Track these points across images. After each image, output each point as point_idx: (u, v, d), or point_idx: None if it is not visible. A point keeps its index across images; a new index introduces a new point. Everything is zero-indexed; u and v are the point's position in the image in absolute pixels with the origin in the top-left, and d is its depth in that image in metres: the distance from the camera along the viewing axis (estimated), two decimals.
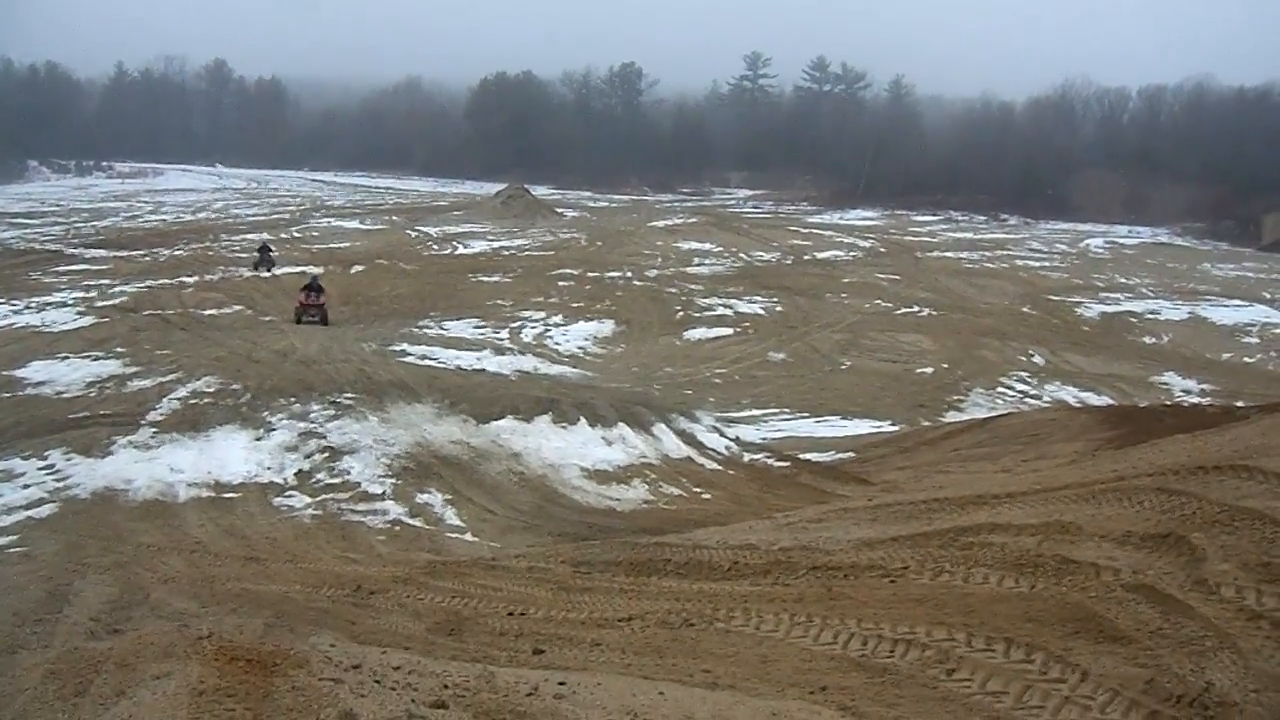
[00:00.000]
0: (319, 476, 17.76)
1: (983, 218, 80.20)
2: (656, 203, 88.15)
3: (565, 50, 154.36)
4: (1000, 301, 41.18)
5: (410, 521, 16.01)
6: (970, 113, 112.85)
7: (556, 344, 31.36)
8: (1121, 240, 67.08)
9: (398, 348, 28.46)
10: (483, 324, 33.38)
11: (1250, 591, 6.30)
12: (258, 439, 19.28)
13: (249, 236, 54.85)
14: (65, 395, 22.36)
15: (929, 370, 29.17)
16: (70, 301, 34.64)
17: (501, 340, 31.12)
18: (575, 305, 37.35)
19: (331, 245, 52.70)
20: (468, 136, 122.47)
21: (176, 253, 48.38)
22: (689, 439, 21.01)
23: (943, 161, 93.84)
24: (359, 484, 17.43)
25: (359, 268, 44.67)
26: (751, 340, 32.57)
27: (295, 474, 17.82)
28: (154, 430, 19.55)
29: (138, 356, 25.95)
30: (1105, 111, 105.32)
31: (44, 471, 17.15)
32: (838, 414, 24.22)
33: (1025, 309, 39.75)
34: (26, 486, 16.45)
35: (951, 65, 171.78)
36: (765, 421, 23.42)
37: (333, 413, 20.78)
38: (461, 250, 53.04)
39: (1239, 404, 22.20)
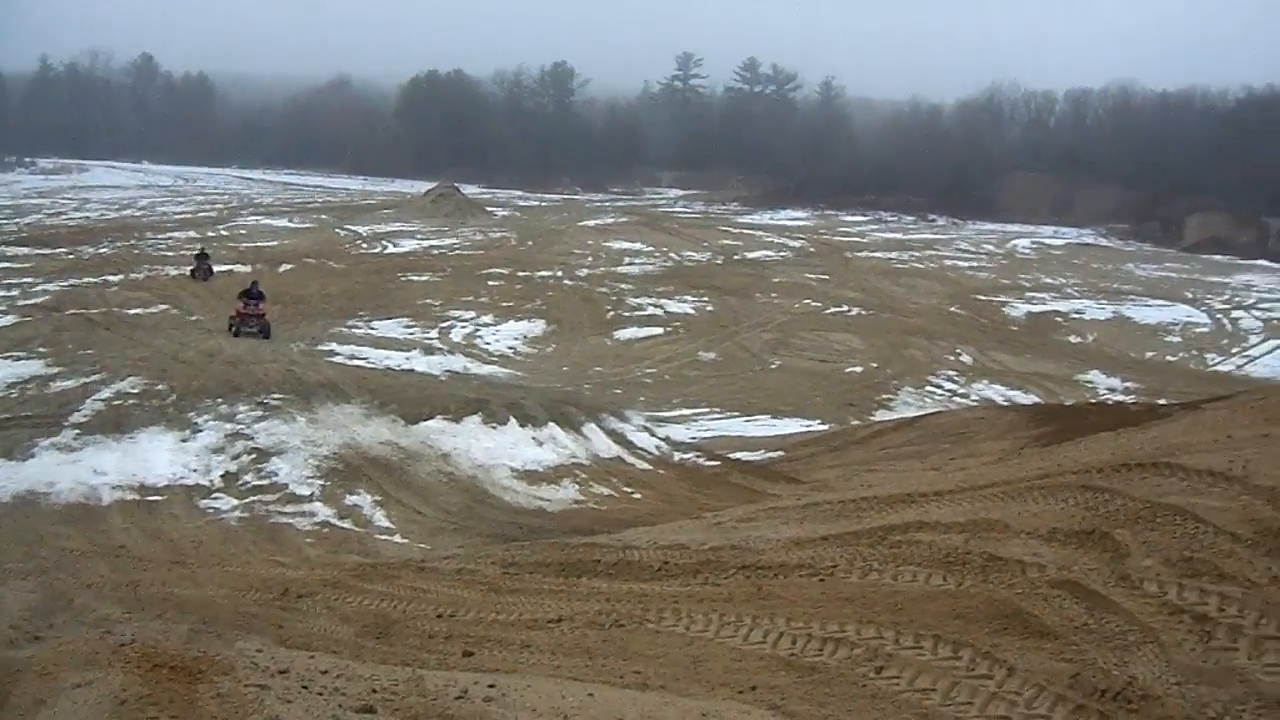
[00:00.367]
0: (246, 478, 17.57)
1: (912, 218, 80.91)
2: (588, 202, 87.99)
3: (497, 49, 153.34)
4: (928, 301, 41.62)
5: (339, 523, 15.88)
6: (899, 115, 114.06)
7: (486, 344, 31.24)
8: (1048, 241, 68.09)
9: (326, 347, 28.20)
10: (412, 324, 33.18)
11: (1172, 586, 6.43)
12: (183, 440, 19.04)
13: (175, 235, 54.04)
14: None
15: (858, 369, 29.46)
16: None
17: (431, 340, 30.95)
18: (505, 305, 37.22)
19: (259, 244, 51.91)
20: (398, 135, 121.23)
21: (101, 251, 47.37)
22: (619, 439, 21.05)
23: (873, 163, 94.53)
24: (287, 486, 17.27)
25: (287, 266, 44.05)
26: (682, 340, 32.69)
27: (222, 476, 17.63)
28: (77, 432, 19.24)
29: (61, 357, 25.42)
30: (1032, 115, 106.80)
31: None
32: (768, 413, 24.41)
33: (953, 309, 40.25)
34: None
35: (881, 68, 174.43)
36: (695, 421, 23.54)
37: (260, 414, 20.54)
38: (391, 249, 52.55)
39: (1162, 402, 22.71)
